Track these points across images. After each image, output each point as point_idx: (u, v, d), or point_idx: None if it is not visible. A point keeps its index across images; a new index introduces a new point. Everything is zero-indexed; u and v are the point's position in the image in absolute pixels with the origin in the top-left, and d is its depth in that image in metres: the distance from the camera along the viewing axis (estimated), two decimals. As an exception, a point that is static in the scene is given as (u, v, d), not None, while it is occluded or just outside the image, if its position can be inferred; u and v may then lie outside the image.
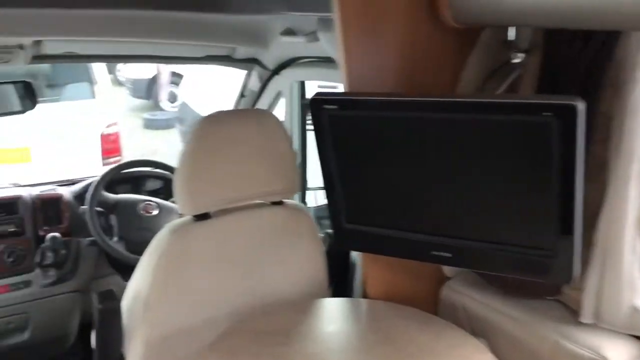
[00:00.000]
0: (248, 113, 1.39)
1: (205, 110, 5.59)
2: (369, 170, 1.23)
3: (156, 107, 9.19)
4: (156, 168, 2.35)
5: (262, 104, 2.35)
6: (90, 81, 4.55)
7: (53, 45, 1.81)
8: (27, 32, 1.63)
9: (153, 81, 8.93)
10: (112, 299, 1.36)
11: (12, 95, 1.94)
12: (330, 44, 1.57)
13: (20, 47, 1.69)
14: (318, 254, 1.53)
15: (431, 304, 1.45)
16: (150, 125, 8.46)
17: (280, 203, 1.47)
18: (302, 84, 2.17)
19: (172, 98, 9.15)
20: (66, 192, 2.26)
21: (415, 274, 1.44)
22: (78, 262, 2.17)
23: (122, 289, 2.38)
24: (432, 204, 1.19)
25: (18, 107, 1.95)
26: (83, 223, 2.12)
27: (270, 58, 2.12)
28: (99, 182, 2.11)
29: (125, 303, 1.41)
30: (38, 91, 3.98)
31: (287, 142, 1.44)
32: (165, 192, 2.51)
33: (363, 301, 1.47)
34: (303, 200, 2.42)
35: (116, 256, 2.05)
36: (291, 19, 1.76)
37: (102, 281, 2.27)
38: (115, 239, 2.07)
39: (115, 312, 1.37)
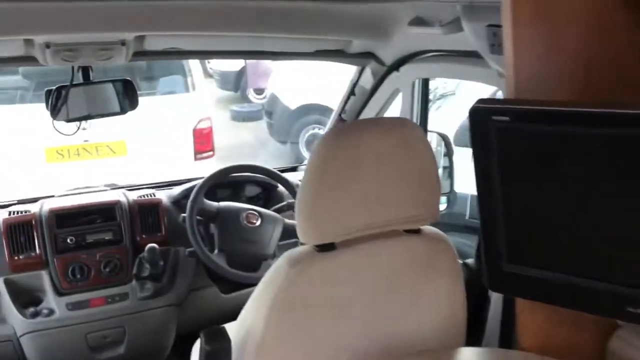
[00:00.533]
0: (387, 122, 1.15)
1: (294, 102, 5.46)
2: (544, 198, 0.97)
3: (243, 99, 9.18)
4: (260, 174, 2.16)
5: (375, 104, 2.10)
6: (184, 74, 4.48)
7: (155, 41, 1.65)
8: (129, 28, 1.47)
9: (241, 73, 8.90)
10: (221, 340, 1.16)
11: (111, 94, 1.80)
12: (477, 36, 1.30)
13: (122, 43, 1.53)
14: (458, 293, 1.27)
15: (595, 358, 1.16)
16: (237, 117, 8.45)
17: (416, 231, 1.22)
18: (426, 83, 1.90)
19: (259, 90, 9.11)
20: (165, 198, 2.13)
21: (578, 321, 1.16)
22: (176, 274, 2.02)
23: (219, 302, 2.24)
24: (630, 245, 0.91)
25: (117, 108, 1.81)
26: (182, 231, 1.97)
27: (390, 52, 1.86)
28: (200, 189, 1.94)
29: (235, 342, 1.21)
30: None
31: (430, 158, 1.18)
32: (265, 199, 2.33)
33: (517, 354, 1.20)
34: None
35: (218, 271, 1.88)
36: (421, 7, 1.49)
37: (199, 293, 2.12)
38: (216, 251, 1.90)
39: (225, 354, 1.17)
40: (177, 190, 2.19)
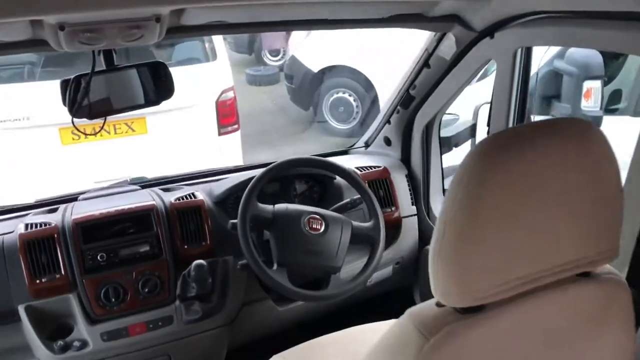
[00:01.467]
0: (561, 126, 0.80)
1: (316, 64, 5.06)
2: None
3: (258, 61, 8.74)
4: (323, 169, 1.82)
5: (454, 80, 1.73)
6: (202, 39, 4.07)
7: (195, 14, 1.29)
8: (166, 0, 1.11)
9: (255, 35, 8.44)
10: None
11: (140, 82, 1.45)
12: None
13: (157, 19, 1.17)
14: (629, 345, 0.95)
15: None
16: (253, 81, 8.05)
17: (587, 274, 0.89)
18: (528, 53, 1.53)
19: (275, 51, 8.66)
20: (206, 198, 1.80)
21: None
22: (226, 290, 1.72)
23: (275, 315, 1.93)
24: None
25: (149, 98, 1.46)
26: (229, 237, 1.66)
27: (482, 14, 1.48)
28: (252, 191, 1.61)
29: None
30: (145, 53, 3.59)
31: (615, 174, 0.84)
32: (319, 195, 1.99)
33: None
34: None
35: (279, 291, 1.57)
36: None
37: (251, 308, 1.82)
38: (275, 266, 1.58)
39: None
40: (219, 187, 1.86)
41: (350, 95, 6.06)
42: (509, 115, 1.57)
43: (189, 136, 3.89)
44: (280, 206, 1.65)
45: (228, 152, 4.15)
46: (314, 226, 1.62)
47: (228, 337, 1.77)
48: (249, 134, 5.18)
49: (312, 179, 1.98)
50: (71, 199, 1.92)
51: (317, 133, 6.27)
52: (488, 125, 1.68)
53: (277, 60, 8.66)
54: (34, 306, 1.56)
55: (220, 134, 4.06)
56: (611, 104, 3.09)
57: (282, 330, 1.96)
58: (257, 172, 2.04)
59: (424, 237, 2.05)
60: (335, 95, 6.12)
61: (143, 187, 2.02)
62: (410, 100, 1.92)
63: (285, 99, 6.83)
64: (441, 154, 2.04)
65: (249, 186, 1.62)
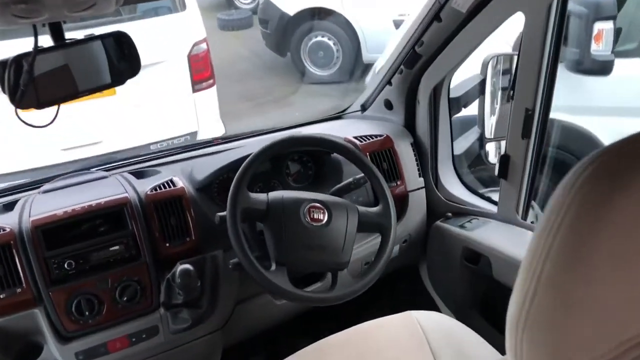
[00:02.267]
0: None
1: (292, 7, 4.78)
2: None
3: (230, 5, 8.25)
4: (326, 149, 1.58)
5: (472, 35, 1.48)
6: (168, -13, 3.69)
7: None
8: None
9: (224, -25, 7.95)
10: None
11: (99, 58, 1.17)
12: None
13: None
14: None
15: None
16: (225, 26, 7.61)
17: None
18: (564, 5, 1.28)
19: (246, -7, 8.19)
20: (187, 185, 1.55)
21: None
22: (217, 292, 1.50)
23: (271, 310, 1.73)
24: None
25: (111, 78, 1.19)
26: (215, 229, 1.43)
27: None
28: (241, 181, 1.37)
29: None
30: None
31: None
32: (314, 173, 1.76)
33: None
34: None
35: (279, 295, 1.35)
36: None
37: (246, 305, 1.62)
38: (274, 266, 1.36)
39: None
40: (201, 170, 1.62)
41: (329, 39, 5.73)
42: (539, 81, 1.35)
43: (160, 95, 3.59)
44: (275, 195, 1.41)
45: (204, 109, 3.87)
46: (316, 216, 1.40)
47: (222, 340, 1.58)
48: (225, 86, 4.86)
49: (306, 154, 1.75)
50: (30, 188, 1.67)
51: (297, 80, 5.96)
52: (512, 89, 1.45)
53: (249, 3, 8.19)
54: None
55: (194, 90, 3.76)
56: (618, 46, 2.87)
57: (280, 323, 1.78)
58: (242, 146, 1.81)
59: (433, 211, 1.85)
60: (314, 40, 5.78)
61: (111, 168, 1.77)
62: (416, 58, 1.67)
63: (260, 45, 6.45)
64: (450, 118, 1.81)
65: (237, 174, 1.38)
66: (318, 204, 1.41)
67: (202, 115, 3.82)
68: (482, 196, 1.81)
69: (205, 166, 1.64)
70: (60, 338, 1.36)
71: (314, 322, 1.89)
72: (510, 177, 1.54)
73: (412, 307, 2.07)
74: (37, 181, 1.71)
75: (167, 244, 1.46)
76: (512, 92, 1.45)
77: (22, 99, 1.09)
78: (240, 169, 1.39)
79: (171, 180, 1.54)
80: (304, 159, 1.77)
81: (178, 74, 3.67)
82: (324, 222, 1.39)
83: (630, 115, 2.61)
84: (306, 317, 1.82)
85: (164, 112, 3.65)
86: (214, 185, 1.62)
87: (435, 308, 1.96)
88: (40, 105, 1.13)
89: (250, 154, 1.56)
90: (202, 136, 3.84)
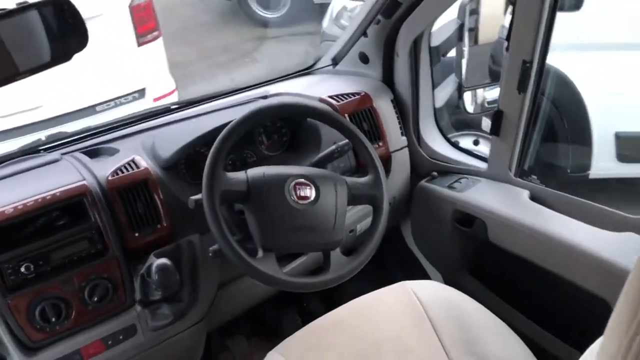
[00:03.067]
0: None
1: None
2: None
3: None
4: (304, 116, 1.42)
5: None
6: None
7: None
8: None
9: None
10: None
11: (37, 31, 0.97)
12: None
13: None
14: None
15: None
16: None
17: None
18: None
19: None
20: (151, 165, 1.39)
21: None
22: (197, 281, 1.37)
23: (256, 289, 1.61)
24: None
25: (54, 53, 1.00)
26: (189, 212, 1.28)
27: None
28: (216, 160, 1.21)
29: None
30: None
31: None
32: (290, 140, 1.62)
33: None
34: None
35: (269, 284, 1.23)
36: None
37: (228, 289, 1.50)
38: (260, 253, 1.23)
39: None
40: (164, 147, 1.44)
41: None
42: (539, 31, 1.23)
43: (102, 52, 3.29)
44: (256, 173, 1.26)
45: (151, 64, 3.60)
46: (302, 193, 1.26)
47: (206, 327, 1.46)
48: (170, 35, 4.53)
49: (280, 119, 1.59)
50: None
51: (246, 26, 5.64)
52: (507, 39, 1.33)
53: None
54: None
55: (139, 44, 3.47)
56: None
57: (265, 301, 1.67)
58: (207, 112, 1.64)
59: (417, 170, 1.75)
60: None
61: (59, 147, 1.57)
62: (394, 7, 1.51)
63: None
64: (432, 71, 1.68)
65: (210, 154, 1.22)
66: (303, 180, 1.27)
67: (150, 70, 3.55)
68: (467, 152, 1.72)
69: (169, 140, 1.47)
70: (25, 350, 1.21)
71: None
72: (503, 134, 1.44)
73: (398, 269, 2.01)
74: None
75: (137, 234, 1.30)
76: (507, 43, 1.33)
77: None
78: (214, 147, 1.22)
79: (133, 161, 1.36)
80: (277, 125, 1.61)
81: (120, 27, 3.36)
82: (312, 199, 1.26)
83: (600, 49, 2.54)
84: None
85: (107, 69, 3.36)
86: (181, 162, 1.46)
87: (421, 269, 1.90)
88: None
89: (220, 125, 1.40)
90: (150, 93, 3.58)
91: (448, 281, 1.63)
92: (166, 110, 1.76)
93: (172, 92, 3.70)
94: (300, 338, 1.32)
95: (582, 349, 0.80)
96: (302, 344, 1.30)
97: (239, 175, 1.25)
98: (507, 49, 1.33)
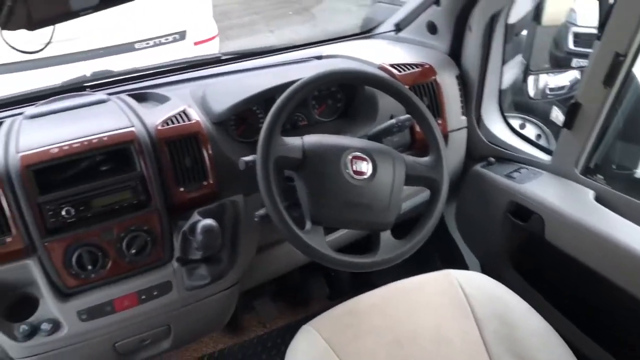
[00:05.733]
0: None
1: None
2: None
3: None
4: (375, 87, 1.32)
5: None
6: None
7: None
8: None
9: None
10: None
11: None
12: None
13: None
14: None
15: None
16: None
17: None
18: None
19: None
20: (203, 117, 1.32)
21: None
22: (237, 243, 1.32)
23: (292, 256, 1.55)
24: None
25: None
26: (236, 171, 1.22)
27: None
28: (274, 124, 1.13)
29: None
30: None
31: None
32: (343, 107, 1.53)
33: None
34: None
35: (314, 259, 1.17)
36: None
37: (265, 253, 1.45)
38: (308, 225, 1.16)
39: None
40: (216, 100, 1.37)
41: None
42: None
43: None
44: (312, 140, 1.18)
45: (195, 5, 3.50)
46: (359, 168, 1.18)
47: (238, 290, 1.42)
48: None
49: (340, 92, 1.51)
50: (12, 103, 1.42)
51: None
52: (600, 28, 1.21)
53: None
54: None
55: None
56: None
57: (298, 268, 1.62)
58: (260, 67, 1.56)
59: (473, 153, 1.66)
60: None
61: (105, 86, 1.51)
62: None
63: None
64: (504, 50, 1.57)
65: (270, 114, 1.14)
66: (361, 153, 1.20)
67: (193, 12, 3.45)
68: (530, 141, 1.62)
69: (221, 93, 1.40)
70: (59, 295, 1.18)
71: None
72: (577, 128, 1.34)
73: (434, 252, 1.94)
74: (21, 98, 1.45)
75: (182, 189, 1.25)
76: (600, 30, 1.22)
77: (9, 18, 0.82)
78: (274, 109, 1.15)
79: (184, 112, 1.30)
80: (332, 90, 1.53)
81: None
82: (368, 175, 1.19)
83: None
84: None
85: (150, 7, 3.27)
86: (231, 118, 1.39)
87: (459, 255, 1.83)
88: (32, 26, 0.86)
89: (278, 85, 1.33)
90: (192, 36, 3.49)
91: (486, 272, 1.57)
92: (217, 61, 1.68)
93: (214, 37, 3.61)
94: (336, 315, 1.27)
95: None
96: (338, 322, 1.26)
97: (295, 141, 1.17)
98: (599, 37, 1.22)
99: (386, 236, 1.21)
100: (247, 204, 1.32)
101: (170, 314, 1.28)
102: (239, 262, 1.32)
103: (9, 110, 1.39)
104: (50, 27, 0.94)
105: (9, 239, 1.12)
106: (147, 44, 3.35)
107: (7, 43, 0.87)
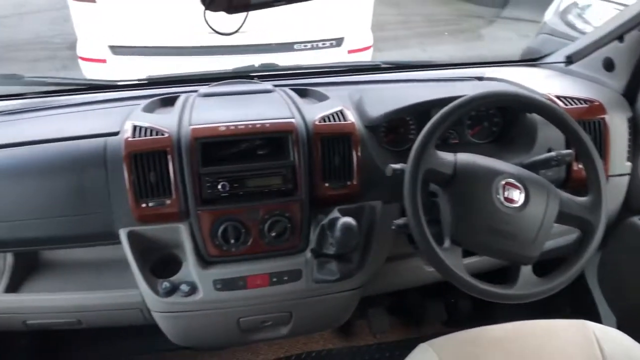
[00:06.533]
0: None
1: None
2: None
3: None
4: (537, 113, 1.26)
5: None
6: None
7: None
8: None
9: None
10: None
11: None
12: None
13: None
14: None
15: None
16: None
17: None
18: None
19: None
20: (357, 119, 1.35)
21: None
22: (369, 247, 1.33)
23: (419, 275, 1.54)
24: None
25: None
26: (379, 176, 1.23)
27: None
28: (430, 136, 1.13)
29: None
30: None
31: None
32: (498, 130, 1.48)
33: None
34: None
35: (447, 278, 1.14)
36: None
37: (393, 265, 1.45)
38: (447, 243, 1.14)
39: None
40: (372, 105, 1.40)
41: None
42: None
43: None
44: (465, 159, 1.16)
45: (356, 15, 3.58)
46: (510, 195, 1.14)
47: (360, 295, 1.43)
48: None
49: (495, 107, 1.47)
50: (188, 80, 1.55)
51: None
52: None
53: None
54: (137, 232, 1.25)
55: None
56: None
57: (424, 287, 1.60)
58: (417, 80, 1.57)
59: (632, 203, 1.53)
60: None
61: (272, 76, 1.60)
62: None
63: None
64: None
65: (428, 126, 1.14)
66: (515, 181, 1.15)
67: (355, 20, 3.54)
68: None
69: (377, 99, 1.42)
70: (201, 261, 1.26)
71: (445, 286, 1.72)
72: None
73: (565, 297, 1.82)
74: (196, 78, 1.58)
75: (326, 184, 1.28)
76: None
77: (212, 2, 0.90)
78: (433, 121, 1.14)
79: (341, 112, 1.33)
80: (490, 112, 1.49)
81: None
82: (520, 204, 1.14)
83: None
84: (444, 285, 1.64)
85: (313, 11, 3.40)
86: (383, 125, 1.41)
87: (594, 306, 1.70)
88: (230, 10, 0.94)
89: (436, 99, 1.32)
90: (347, 44, 3.58)
91: (622, 329, 1.44)
92: (376, 68, 1.71)
93: (368, 47, 3.67)
94: (458, 341, 1.24)
95: None
96: (460, 348, 1.22)
97: (448, 156, 1.16)
98: None
99: (526, 271, 1.16)
100: (385, 212, 1.33)
101: (294, 301, 1.32)
102: (367, 267, 1.33)
103: (185, 86, 1.52)
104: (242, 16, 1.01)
105: (168, 201, 1.22)
106: (305, 46, 3.50)
107: (206, 22, 0.95)
